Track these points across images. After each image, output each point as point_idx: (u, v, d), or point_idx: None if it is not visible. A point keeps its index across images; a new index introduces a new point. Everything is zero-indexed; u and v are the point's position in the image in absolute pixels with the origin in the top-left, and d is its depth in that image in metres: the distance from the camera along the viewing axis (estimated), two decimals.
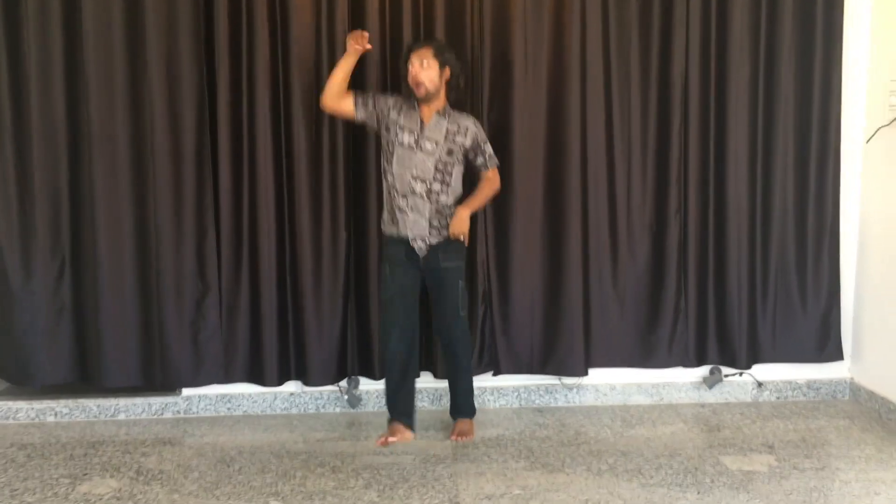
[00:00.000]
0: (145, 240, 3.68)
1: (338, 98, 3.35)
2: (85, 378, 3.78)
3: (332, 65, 3.53)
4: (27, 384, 3.77)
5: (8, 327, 3.69)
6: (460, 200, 3.39)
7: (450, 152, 3.32)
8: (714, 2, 3.70)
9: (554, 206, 3.75)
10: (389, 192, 3.36)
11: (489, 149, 3.42)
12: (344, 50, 3.39)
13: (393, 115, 3.35)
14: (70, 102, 3.63)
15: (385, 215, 3.43)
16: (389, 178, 3.34)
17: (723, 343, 3.86)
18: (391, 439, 3.41)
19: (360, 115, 3.39)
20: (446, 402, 3.87)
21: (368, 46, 3.31)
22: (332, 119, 3.62)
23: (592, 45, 3.67)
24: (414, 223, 3.31)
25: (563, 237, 3.73)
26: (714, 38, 3.71)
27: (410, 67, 3.27)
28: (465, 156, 3.39)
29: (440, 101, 3.34)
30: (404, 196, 3.30)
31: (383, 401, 3.83)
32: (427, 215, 3.31)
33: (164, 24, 3.56)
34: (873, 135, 3.74)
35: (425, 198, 3.30)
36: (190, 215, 3.66)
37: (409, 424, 3.50)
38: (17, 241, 3.65)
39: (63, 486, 3.05)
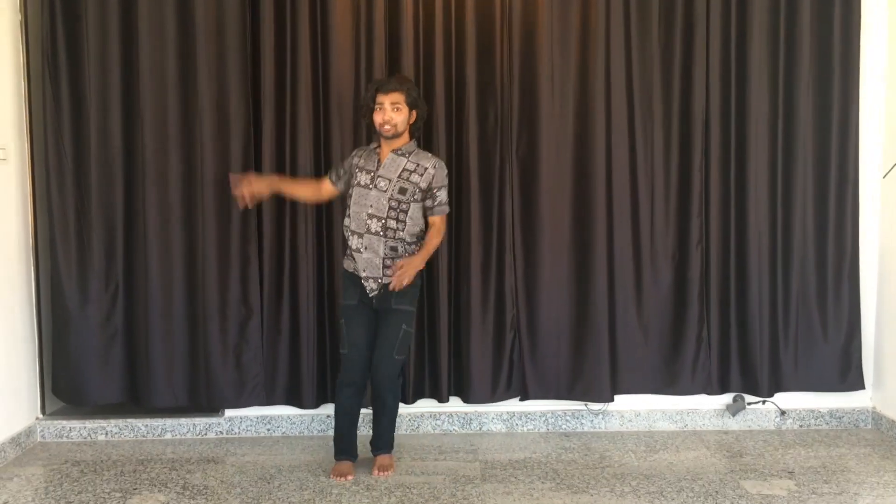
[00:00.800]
0: (193, 268, 3.89)
1: (316, 195, 3.61)
2: (134, 398, 3.99)
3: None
4: (81, 404, 3.98)
5: (64, 349, 3.91)
6: (421, 237, 3.43)
7: (402, 191, 3.33)
8: (733, 39, 3.84)
9: (580, 236, 3.89)
10: (346, 233, 3.42)
11: (443, 195, 3.40)
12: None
13: (356, 161, 3.44)
14: (126, 138, 3.87)
15: (344, 255, 3.50)
16: (346, 220, 3.41)
17: (745, 371, 3.95)
18: (349, 477, 3.46)
19: (340, 188, 3.54)
20: (475, 425, 4.03)
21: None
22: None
23: (616, 81, 3.83)
24: (368, 262, 3.34)
25: (589, 266, 3.87)
26: (734, 75, 3.85)
27: (379, 109, 3.32)
28: (423, 197, 3.40)
29: (401, 141, 3.39)
30: (359, 236, 3.34)
31: (415, 423, 4.00)
32: (381, 253, 3.33)
33: (214, 64, 3.81)
34: (891, 169, 3.85)
35: (381, 234, 3.32)
36: (235, 244, 3.87)
37: (353, 459, 3.57)
38: (75, 268, 3.88)
39: (114, 500, 3.24)
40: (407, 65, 3.81)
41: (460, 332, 3.91)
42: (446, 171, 3.45)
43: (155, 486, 3.40)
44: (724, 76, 3.87)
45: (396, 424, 3.68)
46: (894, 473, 3.43)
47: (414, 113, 3.40)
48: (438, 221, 3.43)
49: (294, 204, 3.84)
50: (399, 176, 3.36)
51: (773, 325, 3.93)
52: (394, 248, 3.36)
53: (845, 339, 3.96)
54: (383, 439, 3.59)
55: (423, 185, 3.37)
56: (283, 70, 3.84)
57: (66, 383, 3.95)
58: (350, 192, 3.43)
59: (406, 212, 3.36)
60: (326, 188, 3.57)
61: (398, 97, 3.32)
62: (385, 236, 3.34)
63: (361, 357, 3.43)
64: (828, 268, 3.94)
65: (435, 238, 3.42)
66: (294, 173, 3.83)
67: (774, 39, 3.85)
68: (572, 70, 3.85)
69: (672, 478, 3.42)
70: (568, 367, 3.94)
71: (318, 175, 3.84)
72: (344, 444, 3.56)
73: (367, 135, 3.80)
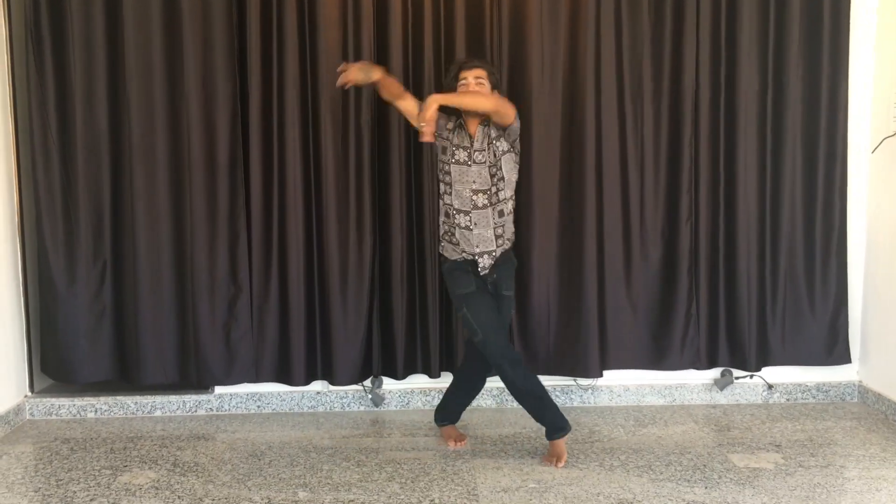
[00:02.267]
0: (181, 244, 3.88)
1: (399, 98, 3.31)
2: (124, 376, 3.98)
3: None
4: (70, 381, 3.98)
5: (53, 327, 3.90)
6: (513, 185, 3.38)
7: (494, 155, 3.30)
8: (723, 15, 3.83)
9: (569, 213, 3.89)
10: (449, 212, 3.36)
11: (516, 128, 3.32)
12: (369, 61, 3.62)
13: (446, 133, 3.36)
14: (112, 115, 3.84)
15: (445, 240, 3.41)
16: (447, 198, 3.34)
17: (733, 346, 3.98)
18: (563, 462, 3.33)
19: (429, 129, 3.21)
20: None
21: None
22: (359, 128, 3.82)
23: (606, 57, 3.81)
24: (480, 238, 3.31)
25: (579, 242, 3.87)
26: (724, 51, 3.84)
27: (463, 85, 3.26)
28: (506, 142, 3.33)
29: (482, 117, 3.32)
30: (466, 213, 3.31)
31: (406, 400, 4.01)
32: (492, 224, 3.32)
33: (200, 41, 3.77)
34: (879, 145, 3.86)
35: (488, 206, 3.30)
36: (223, 221, 3.85)
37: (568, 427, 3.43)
38: (62, 246, 3.86)
39: (105, 477, 3.24)
40: (395, 40, 3.79)
41: (451, 308, 3.91)
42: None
43: (145, 463, 3.40)
44: (714, 51, 3.85)
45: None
46: (880, 446, 3.47)
47: (496, 92, 3.33)
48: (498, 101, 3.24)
49: (282, 178, 3.83)
50: (490, 144, 3.30)
51: (762, 300, 3.96)
52: (501, 213, 3.35)
53: (832, 313, 3.99)
54: (553, 421, 3.38)
55: (506, 146, 3.32)
56: (269, 42, 3.81)
57: (54, 361, 3.94)
58: (445, 167, 3.33)
59: (502, 168, 3.31)
60: (412, 105, 3.29)
61: (481, 72, 3.29)
62: (492, 205, 3.32)
63: (498, 334, 3.27)
64: (816, 243, 3.96)
65: (477, 98, 3.20)
66: (281, 148, 3.82)
67: (764, 14, 3.84)
68: (562, 46, 3.83)
69: (661, 452, 3.45)
70: (557, 343, 3.95)
71: (307, 151, 3.83)
72: (556, 417, 3.37)
73: (355, 104, 3.80)
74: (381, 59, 3.81)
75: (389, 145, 3.84)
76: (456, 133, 3.36)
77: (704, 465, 3.29)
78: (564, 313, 3.94)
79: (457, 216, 3.34)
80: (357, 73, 3.15)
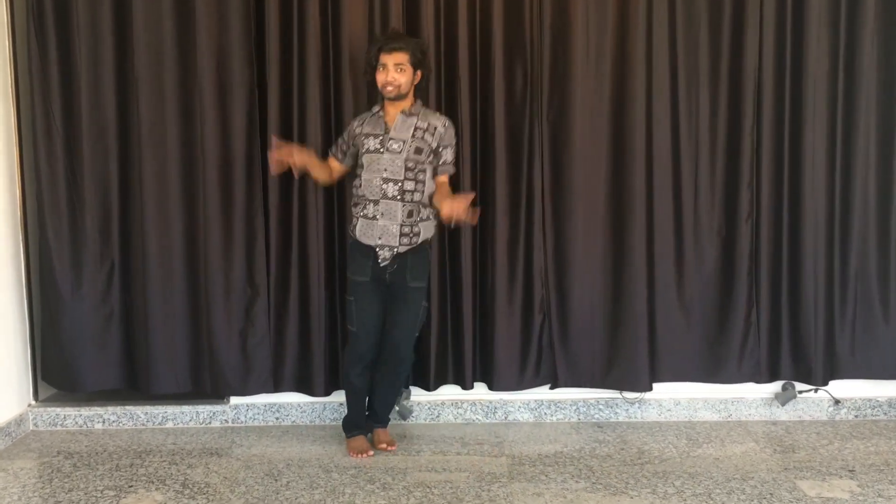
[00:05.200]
0: (194, 245, 3.61)
1: (331, 177, 3.45)
2: (133, 385, 3.73)
3: None
4: (74, 390, 3.72)
5: (56, 333, 3.65)
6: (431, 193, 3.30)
7: (418, 150, 3.20)
8: None
9: (616, 210, 3.57)
10: (358, 202, 3.27)
11: (448, 155, 3.28)
12: None
13: (357, 129, 3.31)
14: (120, 107, 3.59)
15: (353, 224, 3.31)
16: (356, 189, 3.28)
17: (797, 357, 3.63)
18: (370, 453, 3.37)
19: (347, 162, 3.40)
20: (501, 414, 3.75)
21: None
22: None
23: (659, 36, 3.50)
24: (384, 230, 3.21)
25: (626, 243, 3.55)
26: (789, 28, 3.49)
27: (382, 69, 3.18)
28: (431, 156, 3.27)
29: (408, 101, 3.25)
30: (374, 203, 3.21)
31: (436, 412, 3.73)
32: (399, 219, 3.20)
33: (215, 27, 3.49)
34: None
35: (398, 198, 3.19)
36: (239, 220, 3.57)
37: (366, 433, 3.49)
38: (68, 247, 3.61)
39: (107, 500, 2.97)
40: (427, 18, 3.48)
41: (486, 314, 3.61)
42: (455, 131, 3.34)
43: (152, 482, 3.12)
44: (778, 29, 3.50)
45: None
46: None
47: (419, 73, 3.24)
48: (443, 180, 3.30)
49: (303, 175, 3.52)
50: (413, 136, 3.22)
51: (829, 306, 3.60)
52: (411, 213, 3.23)
53: None
54: (383, 415, 3.52)
55: (434, 144, 3.25)
56: (289, 29, 3.51)
57: (57, 369, 3.69)
58: (360, 159, 3.28)
59: (424, 172, 3.24)
60: (335, 167, 3.44)
61: (402, 57, 3.17)
62: (403, 200, 3.20)
63: (371, 336, 3.32)
64: (891, 244, 3.59)
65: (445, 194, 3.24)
66: (302, 141, 3.52)
67: None
68: (609, 24, 3.49)
69: (720, 477, 3.10)
70: (602, 352, 3.62)
71: (328, 144, 3.53)
72: (357, 419, 3.48)
73: (380, 95, 3.45)
74: None
75: None
76: (367, 122, 3.30)
77: (771, 494, 2.93)
78: (610, 320, 3.61)
79: (366, 206, 3.23)
80: (290, 157, 3.29)
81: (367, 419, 3.50)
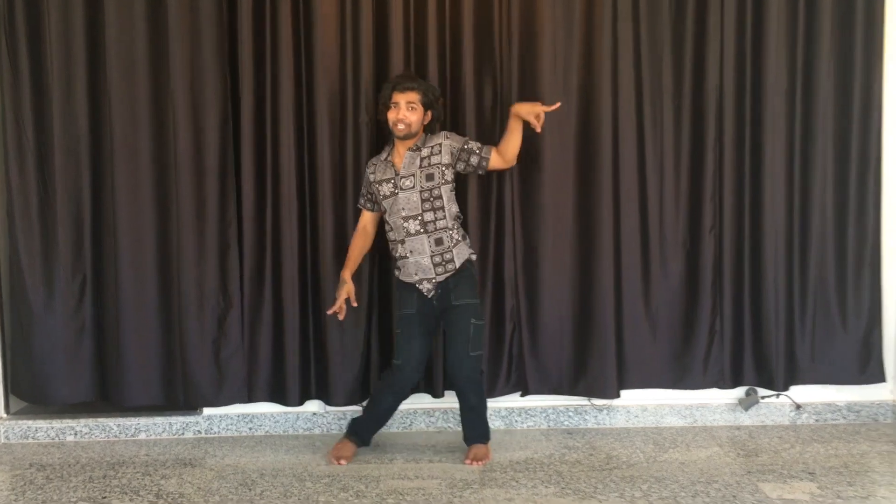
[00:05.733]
0: (167, 256, 3.62)
1: (370, 236, 3.49)
2: (105, 397, 3.73)
3: (357, 78, 3.58)
4: (44, 403, 3.72)
5: (27, 346, 3.64)
6: (459, 217, 3.40)
7: (430, 177, 3.29)
8: (749, 10, 3.59)
9: (584, 222, 3.66)
10: (391, 245, 3.39)
11: (475, 144, 3.37)
12: (368, 63, 3.52)
13: (372, 177, 3.39)
14: (92, 120, 3.59)
15: (395, 265, 3.42)
16: (389, 232, 3.37)
17: (759, 364, 3.73)
18: (343, 462, 3.40)
19: (376, 209, 3.45)
20: None
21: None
22: (357, 134, 3.60)
23: (624, 57, 3.59)
24: (416, 266, 3.30)
25: (594, 254, 3.63)
26: (749, 49, 3.60)
27: (394, 107, 3.26)
28: (453, 167, 3.35)
29: (416, 138, 3.34)
30: (402, 243, 3.31)
31: (408, 421, 3.77)
32: (428, 252, 3.29)
33: (188, 38, 3.52)
34: None
35: (422, 232, 3.28)
36: (212, 231, 3.60)
37: (361, 445, 3.51)
38: (39, 258, 3.60)
39: None
40: (396, 37, 3.54)
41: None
42: (458, 134, 3.44)
43: (126, 493, 3.13)
44: (739, 49, 3.61)
45: (482, 416, 3.50)
46: None
47: (429, 113, 3.34)
48: (495, 155, 3.38)
49: (276, 186, 3.59)
50: (420, 167, 3.31)
51: (790, 316, 3.71)
52: (439, 241, 3.31)
53: (865, 329, 3.74)
54: (476, 432, 3.46)
55: (446, 158, 3.33)
56: (261, 44, 3.56)
57: (28, 382, 3.68)
58: (381, 206, 3.39)
59: (441, 198, 3.31)
60: (369, 219, 3.49)
61: (414, 96, 3.27)
62: (427, 232, 3.30)
63: (413, 370, 3.37)
64: (847, 254, 3.71)
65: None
66: (275, 153, 3.58)
67: (793, 9, 3.60)
68: (576, 42, 3.59)
69: (685, 480, 3.18)
70: (571, 361, 3.70)
71: (301, 157, 3.59)
72: (362, 428, 3.49)
73: (353, 106, 3.57)
74: (381, 58, 3.59)
75: None
76: (378, 169, 3.37)
77: (734, 496, 3.02)
78: (579, 329, 3.69)
79: (398, 247, 3.34)
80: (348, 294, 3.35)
81: (464, 440, 3.49)
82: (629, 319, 3.69)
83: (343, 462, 3.39)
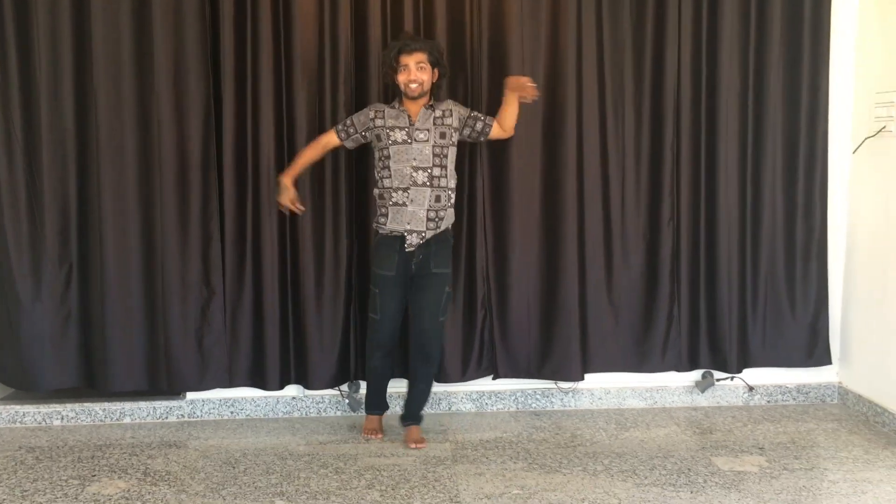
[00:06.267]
0: (151, 247, 3.75)
1: (322, 153, 3.59)
2: (90, 383, 3.83)
3: (335, 74, 3.72)
4: (32, 389, 3.83)
5: (14, 333, 3.75)
6: (455, 187, 3.53)
7: (442, 135, 3.41)
8: (705, 16, 3.80)
9: (551, 215, 3.84)
10: (384, 194, 3.44)
11: (479, 113, 3.55)
12: (346, 61, 3.68)
13: (378, 122, 3.45)
14: (79, 113, 3.70)
15: (379, 218, 3.48)
16: (387, 179, 3.42)
17: (714, 348, 3.95)
18: (379, 436, 3.63)
19: (349, 144, 3.54)
20: (445, 405, 3.99)
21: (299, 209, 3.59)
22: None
23: (588, 58, 3.77)
24: (412, 215, 3.38)
25: (560, 245, 3.82)
26: (705, 53, 3.81)
27: (404, 69, 3.36)
28: (460, 132, 3.50)
29: (426, 98, 3.45)
30: (403, 190, 3.38)
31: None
32: (426, 205, 3.39)
33: (172, 36, 3.65)
34: (860, 145, 3.86)
35: (427, 184, 3.38)
36: (196, 222, 3.73)
37: (384, 411, 3.74)
38: (27, 248, 3.71)
39: (72, 487, 3.12)
40: (374, 36, 3.71)
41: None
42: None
43: (115, 472, 3.28)
44: (695, 53, 3.82)
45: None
46: (862, 448, 3.46)
47: (436, 71, 3.44)
48: (497, 124, 3.55)
49: (257, 179, 3.73)
50: (434, 124, 3.42)
51: (742, 303, 3.94)
52: (438, 198, 3.42)
53: (813, 315, 3.98)
54: (418, 411, 3.66)
55: (455, 122, 3.47)
56: (243, 42, 3.69)
57: (14, 368, 3.79)
58: (384, 151, 3.43)
59: (447, 157, 3.44)
60: (332, 141, 3.54)
61: (421, 56, 3.36)
62: (432, 186, 3.40)
63: (392, 323, 3.52)
64: (796, 245, 3.95)
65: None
66: (256, 148, 3.72)
67: (745, 18, 3.82)
68: (542, 46, 3.77)
69: (644, 455, 3.40)
70: (538, 346, 3.90)
71: (281, 151, 3.74)
72: (377, 399, 3.70)
73: (332, 103, 3.72)
74: (358, 58, 3.74)
75: (367, 146, 3.74)
76: (389, 116, 3.45)
77: (689, 469, 3.25)
78: (545, 317, 3.89)
79: (393, 194, 3.40)
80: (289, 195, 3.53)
81: (401, 418, 3.67)
82: (593, 306, 3.89)
83: (379, 435, 3.62)
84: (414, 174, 3.38)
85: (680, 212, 3.89)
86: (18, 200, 3.70)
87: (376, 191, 3.50)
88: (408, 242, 3.40)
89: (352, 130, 3.50)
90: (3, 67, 3.64)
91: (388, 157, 3.41)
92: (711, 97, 3.83)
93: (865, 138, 3.81)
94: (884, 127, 3.67)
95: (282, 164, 3.73)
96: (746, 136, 3.88)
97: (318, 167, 3.73)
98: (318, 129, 3.73)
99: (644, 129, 3.87)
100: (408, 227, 3.40)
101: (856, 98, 3.92)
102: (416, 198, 3.38)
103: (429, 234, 3.42)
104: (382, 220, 3.46)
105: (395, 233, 3.42)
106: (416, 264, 3.43)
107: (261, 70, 3.68)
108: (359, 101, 3.71)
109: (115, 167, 3.70)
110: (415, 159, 3.38)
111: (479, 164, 3.79)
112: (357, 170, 3.80)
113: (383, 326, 3.49)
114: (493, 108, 3.67)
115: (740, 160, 3.88)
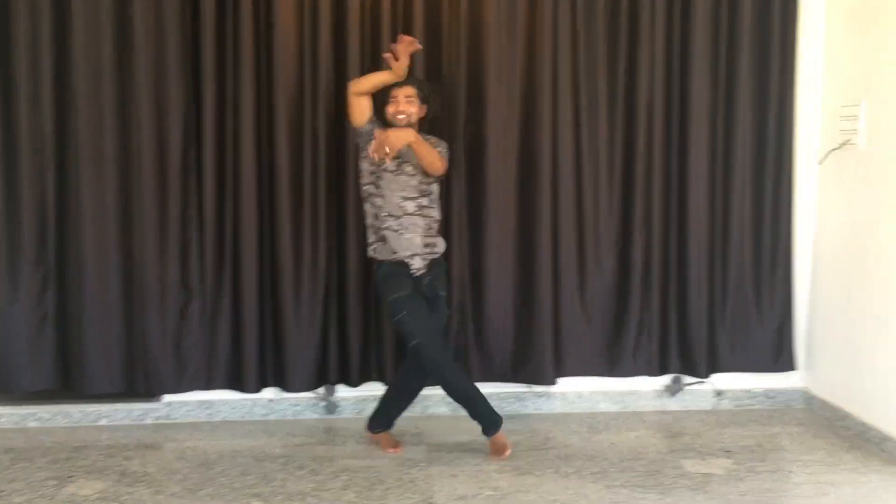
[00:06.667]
0: (130, 249, 3.78)
1: (362, 98, 3.37)
2: (67, 385, 3.84)
3: (315, 84, 3.77)
4: (7, 391, 3.82)
5: None
6: (441, 217, 3.55)
7: (425, 174, 3.43)
8: (677, 31, 3.90)
9: (525, 222, 3.92)
10: (377, 217, 3.43)
11: (442, 149, 3.49)
12: (326, 67, 3.72)
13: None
14: (58, 116, 3.72)
15: (375, 243, 3.46)
16: (378, 201, 3.41)
17: (684, 353, 4.04)
18: (508, 452, 3.50)
19: (364, 128, 3.40)
20: (420, 408, 4.01)
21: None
22: (314, 133, 3.79)
23: (563, 69, 3.85)
24: (409, 242, 3.40)
25: (534, 252, 3.90)
26: (677, 66, 3.92)
27: (393, 101, 3.39)
28: None
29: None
30: (397, 218, 3.39)
31: (360, 407, 3.96)
32: (420, 233, 3.42)
33: (153, 42, 3.69)
34: (825, 157, 3.97)
35: (418, 213, 3.41)
36: (174, 226, 3.77)
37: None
38: (4, 250, 3.72)
39: (49, 488, 3.14)
40: (353, 48, 3.76)
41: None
42: (446, 145, 3.54)
43: (92, 473, 3.30)
44: (667, 66, 3.92)
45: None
46: (826, 451, 3.56)
47: (424, 107, 3.47)
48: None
49: (237, 183, 3.77)
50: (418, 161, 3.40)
51: (711, 309, 4.03)
52: (429, 227, 3.47)
53: (779, 322, 4.08)
54: (394, 419, 3.66)
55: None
56: (223, 46, 3.75)
57: None
58: (376, 172, 3.40)
59: (433, 191, 3.49)
60: (365, 106, 3.39)
61: (410, 90, 3.41)
62: (422, 215, 3.43)
63: (437, 336, 3.47)
64: (763, 253, 4.05)
65: (434, 159, 3.38)
66: (236, 152, 3.77)
67: (715, 32, 3.92)
68: (519, 60, 3.86)
69: (615, 458, 3.48)
70: (512, 351, 3.96)
71: (261, 159, 3.79)
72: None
73: (311, 108, 3.77)
74: (339, 65, 3.79)
75: (345, 150, 3.81)
76: None
77: (658, 471, 3.33)
78: (520, 322, 3.96)
79: (386, 219, 3.41)
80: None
81: (382, 421, 3.62)
82: (566, 312, 3.96)
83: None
84: (403, 204, 3.40)
85: (651, 219, 3.98)
86: None
87: (369, 209, 3.47)
88: (414, 268, 3.41)
89: (368, 128, 3.40)
90: None
91: (380, 179, 3.40)
92: (682, 108, 3.93)
93: (831, 150, 3.92)
94: (848, 140, 3.77)
95: (261, 168, 3.79)
96: (716, 145, 3.98)
97: (295, 168, 3.79)
98: (297, 133, 3.79)
99: (617, 138, 3.96)
100: (409, 253, 3.41)
101: (822, 111, 4.03)
102: (409, 226, 3.40)
103: (429, 259, 3.46)
104: (380, 245, 3.44)
105: (397, 257, 3.41)
106: (426, 286, 3.46)
107: (241, 77, 3.73)
108: (339, 106, 3.75)
109: (94, 170, 3.72)
110: (403, 190, 3.40)
111: (455, 169, 3.84)
112: (336, 174, 3.85)
113: (434, 341, 3.40)
114: (472, 120, 3.82)
115: (710, 169, 3.98)
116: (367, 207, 3.49)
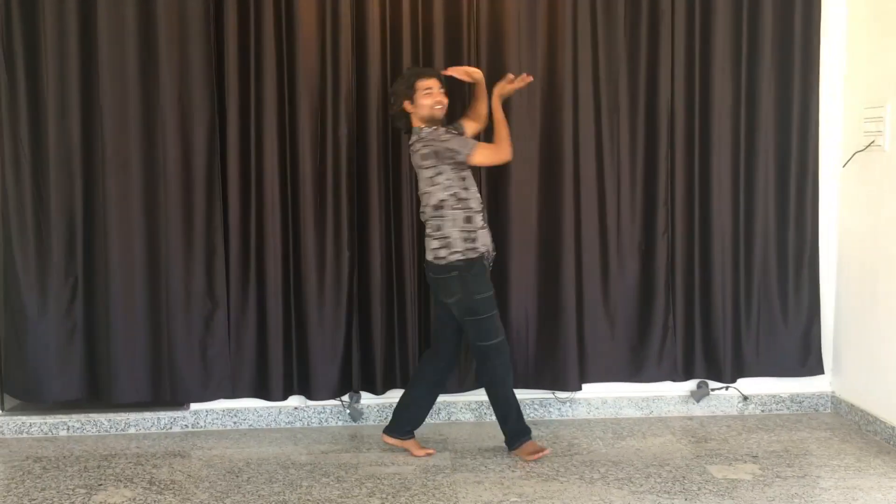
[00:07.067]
0: (156, 260, 3.83)
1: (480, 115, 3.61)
2: (96, 395, 3.90)
3: (336, 90, 3.80)
4: (37, 401, 3.90)
5: (21, 346, 3.81)
6: (438, 205, 3.40)
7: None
8: (697, 33, 3.89)
9: (548, 227, 3.92)
10: (469, 220, 3.40)
11: (452, 144, 3.37)
12: (347, 76, 3.76)
13: None
14: (85, 130, 3.78)
15: (464, 244, 3.37)
16: (472, 203, 3.42)
17: (709, 358, 4.02)
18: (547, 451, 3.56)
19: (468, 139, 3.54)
20: (444, 415, 4.05)
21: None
22: (336, 143, 3.82)
23: (583, 74, 3.86)
24: (487, 235, 3.51)
25: (557, 257, 3.90)
26: (698, 67, 3.91)
27: (428, 93, 3.39)
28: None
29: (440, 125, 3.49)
30: (481, 213, 3.48)
31: (384, 414, 3.98)
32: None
33: (177, 54, 3.74)
34: (850, 159, 3.93)
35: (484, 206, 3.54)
36: (200, 235, 3.82)
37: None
38: (34, 262, 3.78)
39: (79, 496, 3.19)
40: (374, 57, 3.80)
41: (430, 321, 3.90)
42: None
43: (121, 481, 3.34)
44: (688, 69, 3.92)
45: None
46: (854, 457, 3.52)
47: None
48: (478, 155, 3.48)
49: (260, 193, 3.82)
50: None
51: (736, 313, 4.01)
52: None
53: (805, 325, 4.05)
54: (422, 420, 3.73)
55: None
56: (246, 56, 3.80)
57: (20, 380, 3.86)
58: (462, 174, 3.43)
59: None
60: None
61: (437, 82, 3.45)
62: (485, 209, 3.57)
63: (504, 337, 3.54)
64: (788, 256, 4.02)
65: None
66: (259, 162, 3.81)
67: (737, 35, 3.91)
68: (539, 63, 3.87)
69: (640, 464, 3.47)
70: (536, 356, 3.97)
71: (284, 166, 3.84)
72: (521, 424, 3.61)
73: (333, 117, 3.79)
74: (359, 74, 3.83)
75: (368, 159, 3.84)
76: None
77: (683, 477, 3.31)
78: (543, 327, 3.96)
79: (477, 218, 3.44)
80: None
81: (404, 423, 3.63)
82: (589, 317, 3.96)
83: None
84: (479, 197, 3.53)
85: (674, 223, 3.97)
86: (25, 215, 3.78)
87: (460, 213, 3.40)
88: (489, 260, 3.53)
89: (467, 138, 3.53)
90: (12, 84, 3.73)
91: (463, 179, 3.42)
92: (704, 111, 3.93)
93: (855, 152, 3.88)
94: (873, 141, 3.74)
95: (284, 178, 3.84)
96: (739, 148, 3.96)
97: (318, 180, 3.83)
98: (320, 142, 3.83)
99: (639, 142, 3.96)
100: (492, 246, 3.53)
101: (845, 113, 4.00)
102: (484, 218, 3.52)
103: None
104: (472, 244, 3.40)
105: (487, 251, 3.49)
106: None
107: (264, 87, 3.78)
108: (360, 115, 3.80)
109: (121, 181, 3.78)
110: (476, 184, 3.52)
111: (476, 176, 3.84)
112: (359, 183, 3.87)
113: (504, 340, 3.51)
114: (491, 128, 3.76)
115: (733, 173, 3.96)
116: (455, 214, 3.38)
